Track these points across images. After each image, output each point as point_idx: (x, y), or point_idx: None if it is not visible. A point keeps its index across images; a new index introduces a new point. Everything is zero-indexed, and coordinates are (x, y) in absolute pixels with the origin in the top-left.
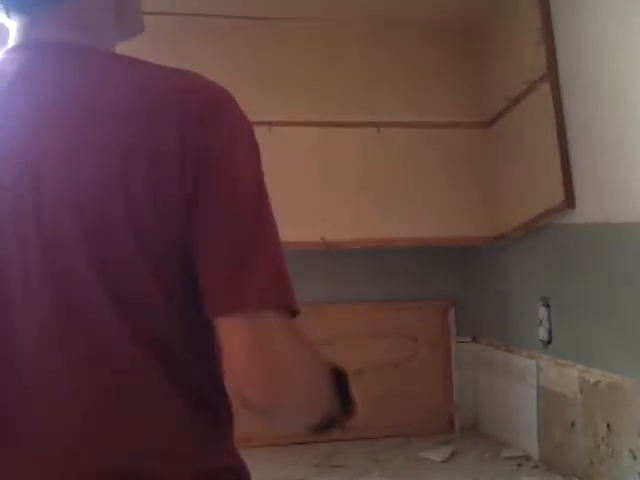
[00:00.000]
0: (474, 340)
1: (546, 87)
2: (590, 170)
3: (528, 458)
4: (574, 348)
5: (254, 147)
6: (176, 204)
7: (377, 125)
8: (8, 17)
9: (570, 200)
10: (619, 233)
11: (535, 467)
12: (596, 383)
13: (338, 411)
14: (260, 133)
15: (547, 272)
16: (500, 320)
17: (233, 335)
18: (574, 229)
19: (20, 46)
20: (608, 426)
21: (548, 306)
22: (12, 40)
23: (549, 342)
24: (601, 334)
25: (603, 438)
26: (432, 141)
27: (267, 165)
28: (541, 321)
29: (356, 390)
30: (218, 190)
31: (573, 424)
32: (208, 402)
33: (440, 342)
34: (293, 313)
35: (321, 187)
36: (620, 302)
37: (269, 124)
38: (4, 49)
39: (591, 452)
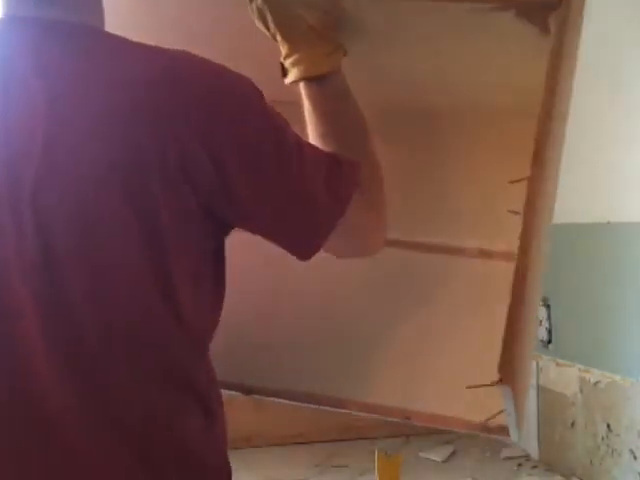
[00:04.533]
0: None
1: None
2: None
3: (528, 458)
4: (574, 348)
5: (265, 113)
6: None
7: None
8: None
9: None
10: (619, 233)
11: (535, 467)
12: (596, 383)
13: None
14: None
15: (547, 272)
16: None
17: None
18: (575, 229)
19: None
20: (608, 426)
21: (548, 306)
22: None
23: (549, 342)
24: (601, 334)
25: (603, 438)
26: None
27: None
28: (541, 321)
29: None
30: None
31: (573, 424)
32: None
33: None
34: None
35: None
36: (620, 302)
37: None
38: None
39: (591, 452)
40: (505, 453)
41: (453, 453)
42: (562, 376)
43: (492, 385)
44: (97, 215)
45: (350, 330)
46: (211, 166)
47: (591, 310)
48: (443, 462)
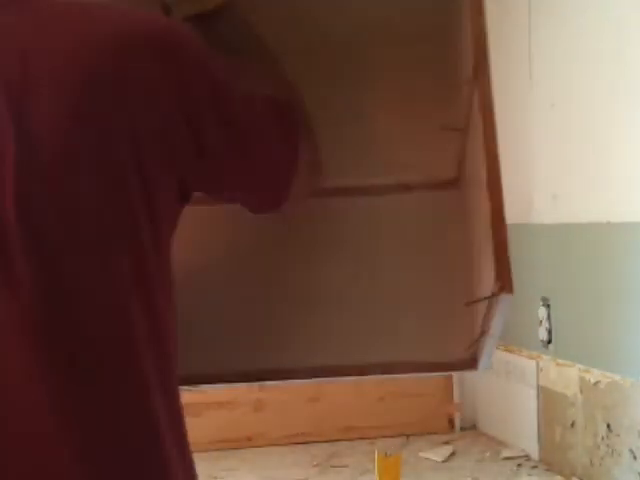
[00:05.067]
0: None
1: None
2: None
3: (528, 458)
4: (574, 348)
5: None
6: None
7: None
8: None
9: None
10: (619, 233)
11: (535, 467)
12: (596, 383)
13: None
14: None
15: (547, 272)
16: None
17: None
18: (575, 229)
19: None
20: (608, 426)
21: (548, 306)
22: None
23: (549, 342)
24: (601, 334)
25: (603, 438)
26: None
27: None
28: (541, 321)
29: (357, 390)
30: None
31: (573, 424)
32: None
33: None
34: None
35: None
36: (620, 302)
37: None
38: None
39: (591, 452)
40: (505, 453)
41: (453, 453)
42: (562, 376)
43: (494, 296)
44: (73, 194)
45: (291, 291)
46: (189, 132)
47: (591, 310)
48: (443, 462)
